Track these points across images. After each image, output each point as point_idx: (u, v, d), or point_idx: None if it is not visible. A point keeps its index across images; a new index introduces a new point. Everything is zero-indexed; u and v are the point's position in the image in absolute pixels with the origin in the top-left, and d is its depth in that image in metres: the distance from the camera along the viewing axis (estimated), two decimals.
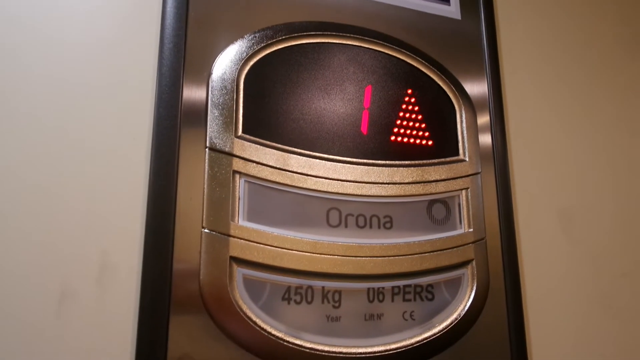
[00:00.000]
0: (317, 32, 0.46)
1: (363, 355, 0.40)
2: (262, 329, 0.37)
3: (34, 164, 0.37)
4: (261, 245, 0.39)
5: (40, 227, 0.36)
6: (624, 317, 0.54)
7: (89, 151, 0.39)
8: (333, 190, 0.42)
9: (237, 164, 0.40)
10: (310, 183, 0.42)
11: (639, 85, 0.64)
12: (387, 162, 0.45)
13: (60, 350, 0.35)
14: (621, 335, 0.53)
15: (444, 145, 0.48)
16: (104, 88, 0.40)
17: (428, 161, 0.46)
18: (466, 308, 0.44)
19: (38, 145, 0.38)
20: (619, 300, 0.54)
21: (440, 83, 0.49)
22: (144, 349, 0.35)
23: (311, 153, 0.42)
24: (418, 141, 0.47)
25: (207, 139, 0.40)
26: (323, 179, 0.42)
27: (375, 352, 0.40)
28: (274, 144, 0.41)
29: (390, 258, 0.42)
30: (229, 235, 0.38)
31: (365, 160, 0.44)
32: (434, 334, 0.42)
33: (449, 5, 0.52)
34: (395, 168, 0.45)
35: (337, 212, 0.42)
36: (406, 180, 0.45)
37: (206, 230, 0.38)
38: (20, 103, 0.38)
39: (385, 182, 0.44)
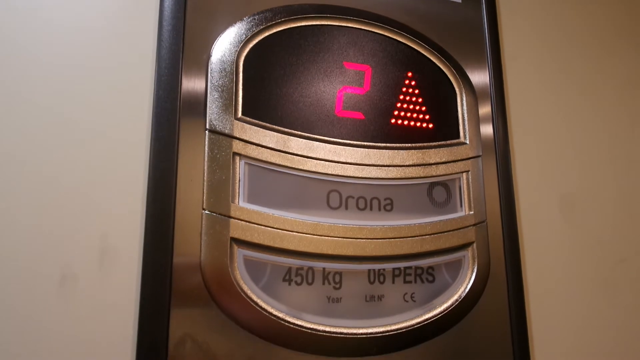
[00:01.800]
0: (316, 15, 0.45)
1: (363, 336, 0.40)
2: (263, 309, 0.38)
3: (33, 147, 0.37)
4: (262, 227, 0.39)
5: (40, 211, 0.37)
6: (624, 302, 0.54)
7: (88, 134, 0.39)
8: (333, 173, 0.42)
9: (237, 146, 0.40)
10: (310, 165, 0.41)
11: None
12: (388, 144, 0.45)
13: (61, 334, 0.35)
14: (621, 320, 0.53)
15: (444, 128, 0.47)
16: (103, 71, 0.40)
17: (428, 144, 0.46)
18: (467, 290, 0.44)
19: (37, 129, 0.38)
20: (619, 285, 0.54)
21: (441, 66, 0.49)
22: (145, 331, 0.35)
23: (311, 135, 0.42)
24: (418, 124, 0.46)
25: (207, 121, 0.39)
26: (323, 161, 0.42)
27: (375, 333, 0.40)
28: (273, 126, 0.41)
29: (390, 240, 0.42)
30: (230, 217, 0.38)
31: (365, 143, 0.44)
32: (434, 316, 0.42)
33: None
34: (396, 150, 0.45)
35: (337, 194, 0.42)
36: (407, 163, 0.45)
37: (207, 212, 0.38)
38: (19, 87, 0.38)
39: (385, 164, 0.44)
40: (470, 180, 0.47)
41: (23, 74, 0.38)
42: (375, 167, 0.44)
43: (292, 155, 0.41)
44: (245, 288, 0.38)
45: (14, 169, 0.37)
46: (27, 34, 0.39)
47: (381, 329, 0.40)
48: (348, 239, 0.41)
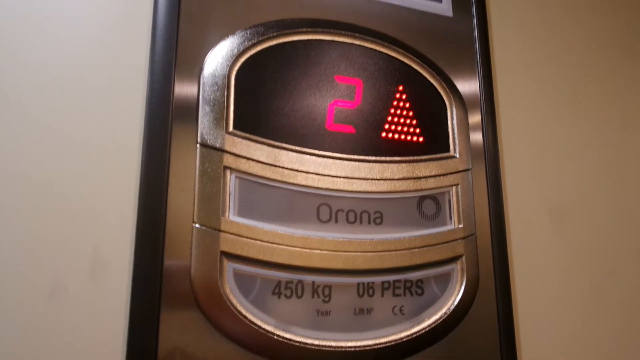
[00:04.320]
0: (308, 29, 0.46)
1: (352, 349, 0.40)
2: (252, 322, 0.38)
3: (25, 158, 0.38)
4: (252, 240, 0.39)
5: (31, 223, 0.37)
6: (615, 313, 0.55)
7: (80, 146, 0.39)
8: (323, 186, 0.42)
9: (228, 160, 0.40)
10: (300, 179, 0.42)
11: (631, 81, 0.65)
12: (378, 158, 0.45)
13: (51, 345, 0.35)
14: (611, 331, 0.54)
15: (434, 141, 0.48)
16: (95, 83, 0.40)
17: (418, 157, 0.47)
18: (455, 303, 0.45)
19: (29, 140, 0.38)
20: (608, 296, 0.55)
21: (431, 80, 0.50)
22: (135, 343, 0.36)
23: (302, 149, 0.43)
24: (409, 137, 0.47)
25: (198, 134, 0.40)
26: (313, 175, 0.42)
27: (364, 346, 0.40)
28: (264, 140, 0.41)
29: (380, 253, 0.43)
30: (220, 230, 0.38)
31: (355, 157, 0.44)
32: (423, 328, 0.43)
33: (441, 2, 0.53)
34: (386, 164, 0.45)
35: (327, 207, 0.43)
36: (397, 176, 0.45)
37: (197, 225, 0.38)
38: (11, 97, 0.38)
39: (375, 178, 0.44)
40: (459, 194, 0.47)
41: (15, 83, 0.38)
42: (365, 181, 0.44)
43: (283, 169, 0.41)
44: (234, 301, 0.38)
45: (5, 179, 0.37)
46: (19, 45, 0.39)
47: (370, 342, 0.41)
48: (338, 253, 0.41)
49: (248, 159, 0.40)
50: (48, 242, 0.37)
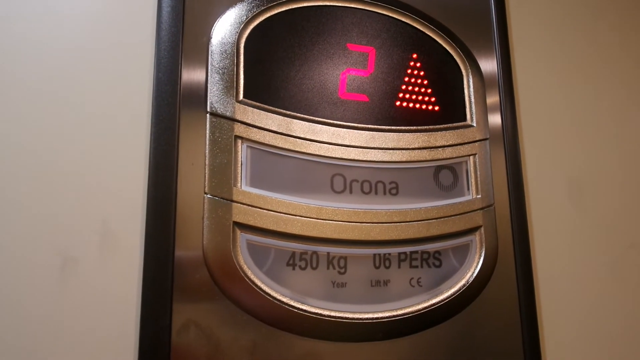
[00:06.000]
0: None
1: (369, 321, 0.39)
2: (267, 294, 0.37)
3: (34, 132, 0.37)
4: (265, 211, 0.38)
5: (41, 196, 0.36)
6: (634, 286, 0.53)
7: (88, 118, 0.38)
8: (337, 156, 0.41)
9: (239, 129, 0.39)
10: (313, 148, 0.41)
11: None
12: (393, 127, 0.44)
13: (62, 320, 0.35)
14: (631, 305, 0.53)
15: (451, 110, 0.46)
16: (102, 54, 0.39)
17: (434, 126, 0.45)
18: (474, 275, 0.43)
19: (36, 112, 0.37)
20: (628, 269, 0.54)
21: (447, 47, 0.48)
22: (148, 316, 0.35)
23: (314, 118, 0.41)
24: (424, 106, 0.45)
25: (208, 104, 0.39)
26: (327, 144, 0.41)
27: (381, 318, 0.40)
28: (276, 109, 0.40)
29: (396, 224, 0.41)
30: (232, 201, 0.37)
31: (370, 126, 0.43)
32: (441, 301, 0.42)
33: None
34: (401, 133, 0.44)
35: (341, 177, 0.41)
36: (412, 146, 0.44)
37: (209, 196, 0.37)
38: (17, 70, 0.38)
39: (390, 147, 0.43)
40: (477, 164, 0.46)
41: (21, 57, 0.38)
42: (380, 150, 0.43)
43: (295, 139, 0.40)
44: (248, 273, 0.37)
45: (14, 153, 0.36)
46: (27, 17, 0.38)
47: (387, 314, 0.40)
48: (353, 223, 0.40)
49: (259, 128, 0.39)
50: (58, 217, 0.36)
